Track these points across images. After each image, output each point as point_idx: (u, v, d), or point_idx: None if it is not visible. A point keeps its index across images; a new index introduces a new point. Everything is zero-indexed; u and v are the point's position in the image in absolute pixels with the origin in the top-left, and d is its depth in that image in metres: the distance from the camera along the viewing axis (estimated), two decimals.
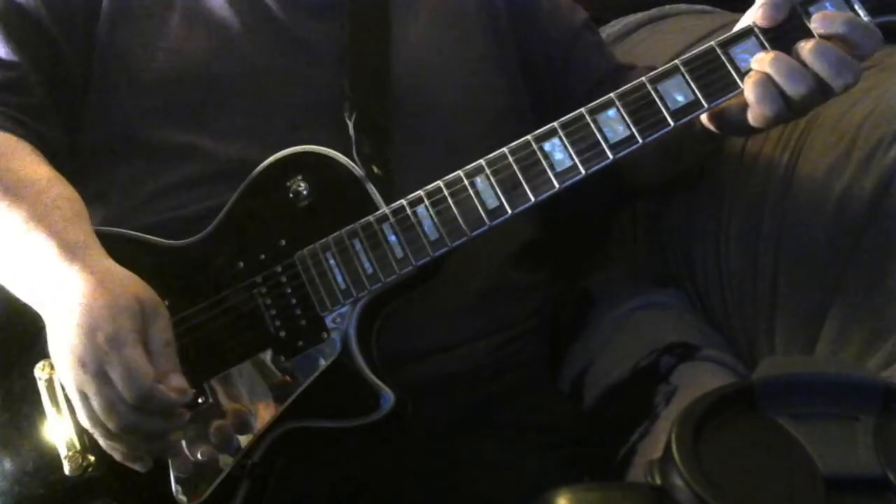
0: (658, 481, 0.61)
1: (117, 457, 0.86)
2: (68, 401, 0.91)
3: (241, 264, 0.92)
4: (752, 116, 0.88)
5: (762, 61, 0.85)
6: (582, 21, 1.21)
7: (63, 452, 0.90)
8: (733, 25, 0.91)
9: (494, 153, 0.90)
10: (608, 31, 1.44)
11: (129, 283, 0.83)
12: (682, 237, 1.20)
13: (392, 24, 1.08)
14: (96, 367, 0.79)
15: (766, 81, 0.85)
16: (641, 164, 1.10)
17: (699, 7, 1.43)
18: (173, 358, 0.82)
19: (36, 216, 0.87)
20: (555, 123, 0.89)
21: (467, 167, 0.90)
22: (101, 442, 0.85)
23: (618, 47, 1.39)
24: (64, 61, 1.04)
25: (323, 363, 0.90)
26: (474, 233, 0.90)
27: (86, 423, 0.83)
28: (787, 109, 0.86)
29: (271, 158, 0.94)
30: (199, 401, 0.90)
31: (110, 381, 0.79)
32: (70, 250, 0.84)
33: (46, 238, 0.85)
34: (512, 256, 1.08)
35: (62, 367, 0.82)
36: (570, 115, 0.89)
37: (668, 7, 1.44)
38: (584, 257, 1.33)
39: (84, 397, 0.81)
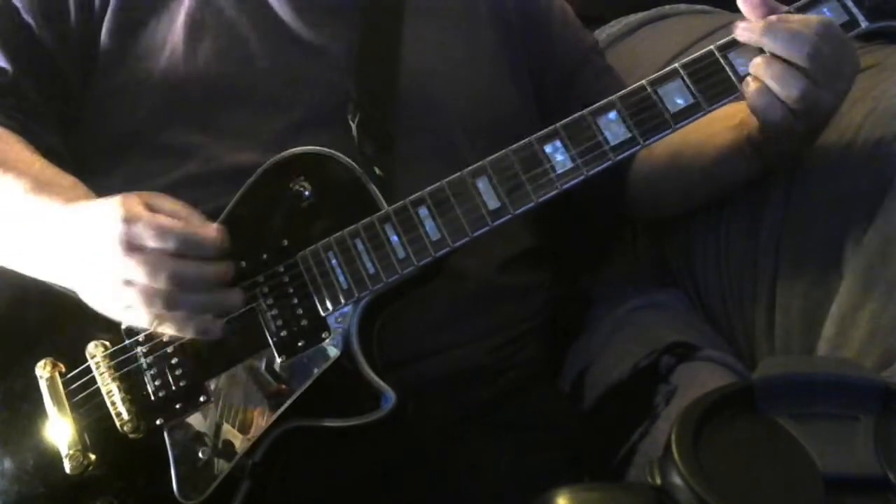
0: (658, 481, 0.61)
1: (178, 328, 0.87)
2: (69, 399, 0.92)
3: (243, 264, 0.92)
4: (765, 129, 0.90)
5: (757, 66, 0.86)
6: (591, 44, 1.22)
7: (64, 451, 0.90)
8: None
9: (497, 154, 0.91)
10: (608, 31, 1.44)
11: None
12: (682, 237, 1.20)
13: (403, 28, 1.08)
14: (125, 244, 0.82)
15: (764, 89, 0.86)
16: (683, 190, 1.11)
17: (699, 7, 1.43)
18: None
19: (38, 187, 0.90)
20: (557, 125, 0.90)
21: (470, 168, 0.91)
22: (158, 315, 0.85)
23: (618, 47, 1.39)
24: (58, 68, 1.04)
25: (324, 363, 0.90)
26: (476, 233, 0.90)
27: (135, 304, 0.84)
28: (794, 117, 0.86)
29: (273, 159, 0.94)
30: (201, 399, 0.90)
31: (144, 249, 0.82)
32: (76, 200, 0.88)
33: (51, 199, 0.88)
34: (513, 258, 1.08)
35: (96, 275, 0.84)
36: (572, 117, 0.90)
37: (667, 7, 1.44)
38: (585, 258, 1.33)
39: (127, 282, 0.83)
